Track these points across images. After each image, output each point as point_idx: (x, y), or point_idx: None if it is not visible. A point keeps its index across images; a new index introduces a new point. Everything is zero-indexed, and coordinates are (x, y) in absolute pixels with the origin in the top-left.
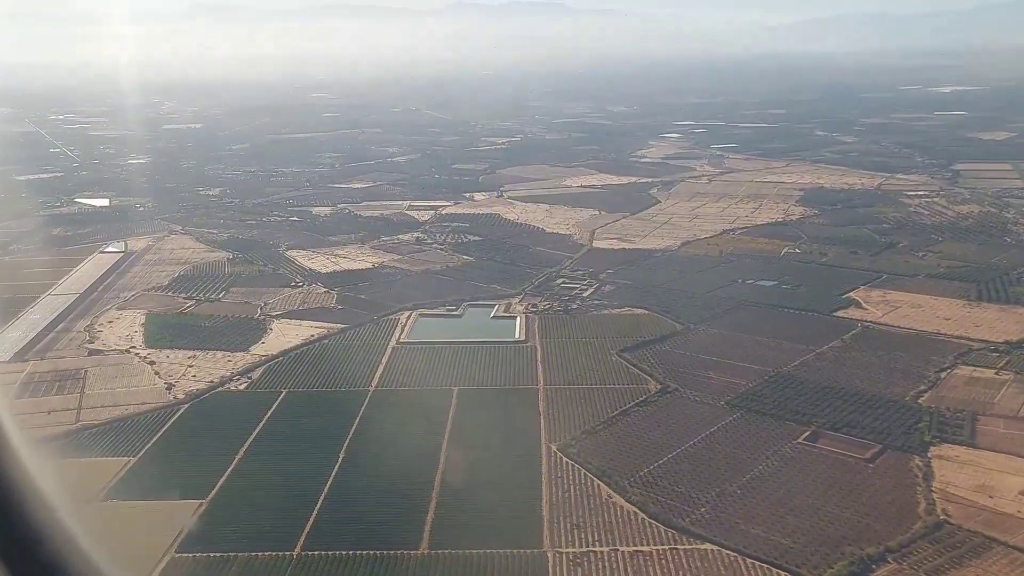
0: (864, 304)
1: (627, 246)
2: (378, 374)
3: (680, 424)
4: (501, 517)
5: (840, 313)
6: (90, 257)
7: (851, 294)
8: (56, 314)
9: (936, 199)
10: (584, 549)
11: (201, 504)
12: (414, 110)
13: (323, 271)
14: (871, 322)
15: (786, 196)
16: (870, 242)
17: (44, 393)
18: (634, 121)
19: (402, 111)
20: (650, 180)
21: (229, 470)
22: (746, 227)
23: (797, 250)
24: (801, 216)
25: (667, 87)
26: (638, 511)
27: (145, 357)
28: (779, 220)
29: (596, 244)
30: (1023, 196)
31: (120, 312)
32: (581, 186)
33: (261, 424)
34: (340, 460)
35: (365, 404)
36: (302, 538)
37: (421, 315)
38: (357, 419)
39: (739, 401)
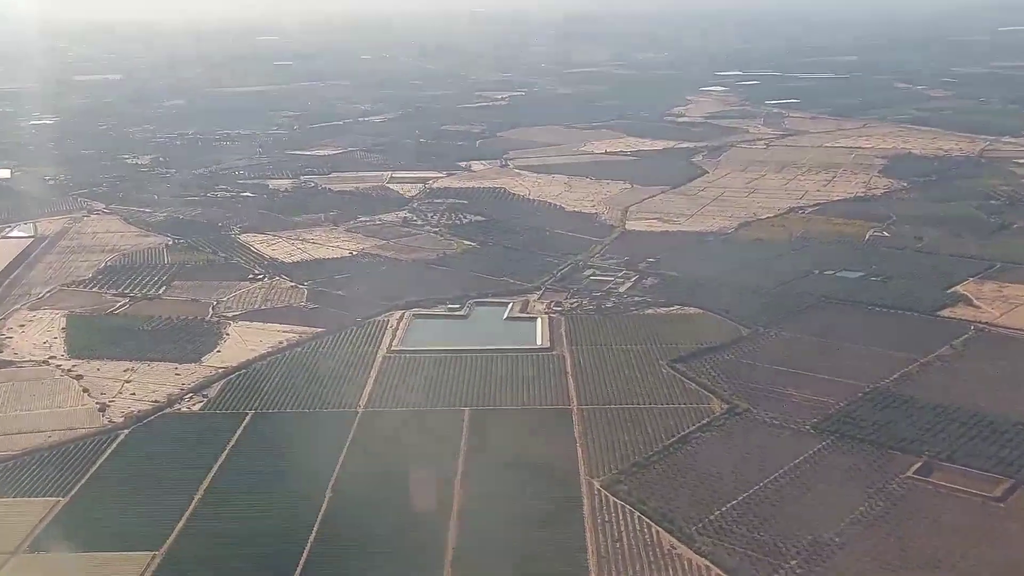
0: (975, 301)
1: (670, 228)
2: (367, 392)
3: (755, 454)
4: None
5: (946, 312)
6: None
7: (958, 288)
8: None
9: None
10: None
11: (154, 557)
12: (388, 57)
13: (288, 260)
14: (986, 323)
15: (866, 165)
16: (976, 222)
17: None
18: (666, 72)
19: (374, 59)
20: (692, 145)
21: (187, 513)
22: (819, 204)
23: (886, 233)
24: (887, 190)
25: (703, 29)
26: (711, 565)
27: (69, 370)
28: (860, 195)
29: (630, 226)
30: None
31: (33, 313)
32: (606, 152)
33: (224, 455)
34: (325, 504)
35: (353, 430)
36: None
37: (416, 316)
38: (344, 450)
39: (828, 424)
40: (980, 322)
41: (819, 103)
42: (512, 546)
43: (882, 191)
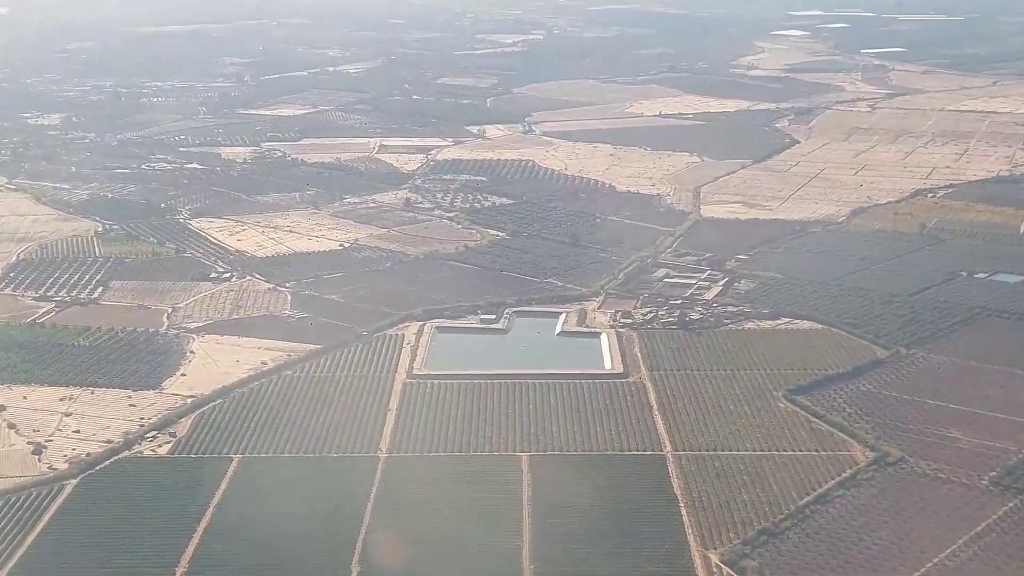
0: None
1: (759, 215)
2: (387, 430)
3: (925, 519)
4: None
5: None
6: None
7: None
8: None
9: None
10: None
11: None
12: None
13: (259, 254)
14: None
15: (1006, 135)
16: None
17: None
18: (725, 9)
19: None
20: (774, 106)
21: None
22: (952, 184)
23: None
24: None
25: None
26: None
27: None
28: (1003, 174)
29: (706, 212)
30: None
31: None
32: (660, 114)
33: (207, 517)
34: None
35: (376, 483)
36: None
37: (439, 329)
38: (368, 512)
39: (1010, 480)
40: None
41: (932, 53)
42: None
43: None
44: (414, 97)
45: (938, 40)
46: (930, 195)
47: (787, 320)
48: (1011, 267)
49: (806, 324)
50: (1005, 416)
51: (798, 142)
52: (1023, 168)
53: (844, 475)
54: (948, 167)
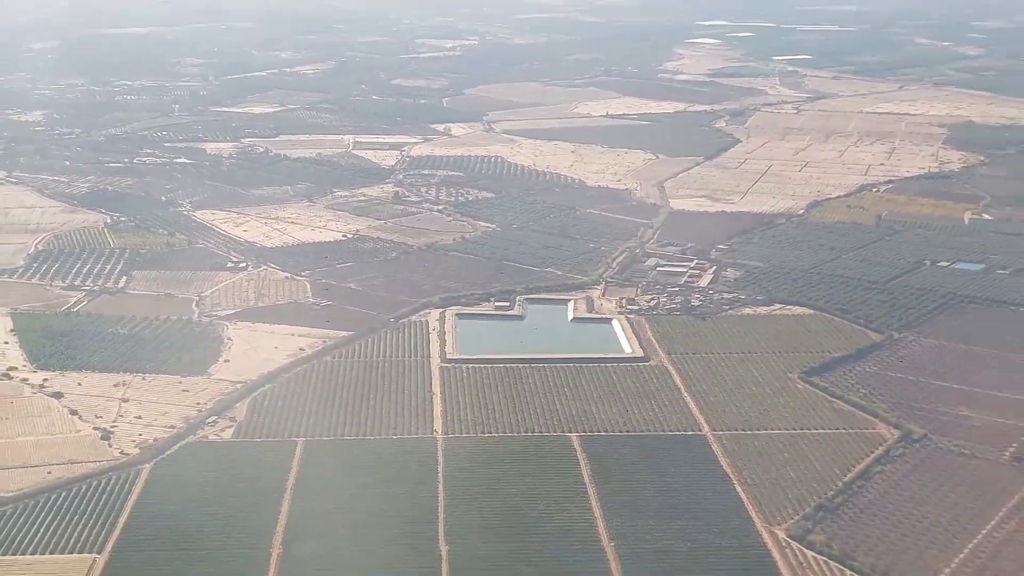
0: None
1: (726, 208)
2: (436, 411)
3: (961, 493)
4: None
5: None
6: None
7: None
8: None
9: None
10: None
11: None
12: None
13: (269, 245)
14: None
15: (924, 135)
16: None
17: None
18: (640, 18)
19: None
20: (708, 108)
21: (272, 572)
22: (891, 180)
23: (987, 216)
24: (963, 164)
25: None
26: None
27: (41, 385)
28: (933, 171)
29: (675, 204)
30: None
31: None
32: (606, 115)
33: (286, 498)
34: (445, 565)
35: (440, 464)
36: None
37: (459, 316)
38: (440, 490)
39: None
40: None
41: (836, 60)
42: None
43: (958, 165)
44: (374, 97)
45: (838, 49)
46: (874, 190)
47: (780, 305)
48: (968, 256)
49: (799, 309)
50: (1007, 395)
51: (739, 141)
52: (949, 165)
53: (877, 452)
54: (882, 164)
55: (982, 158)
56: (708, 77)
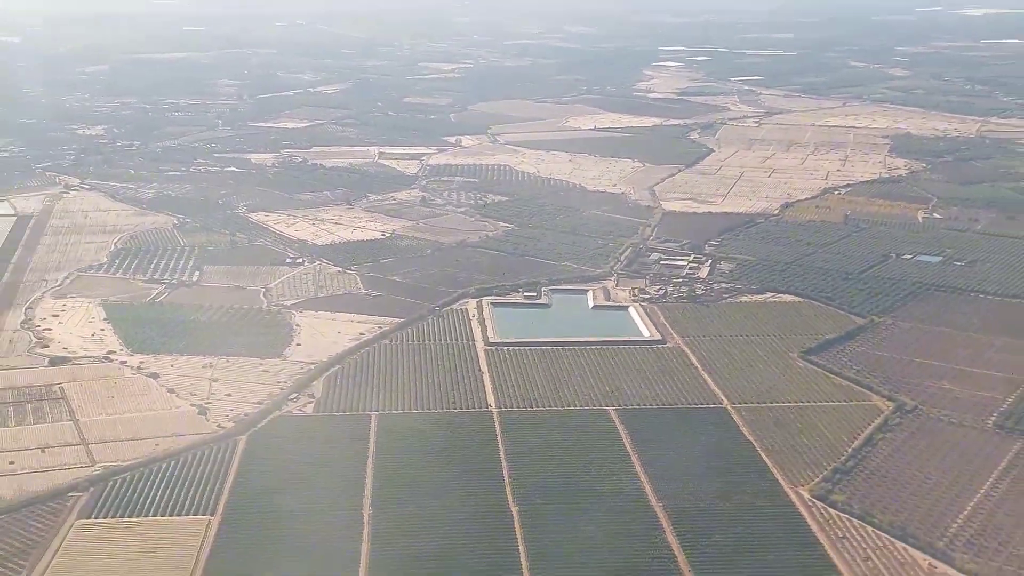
0: None
1: (711, 209)
2: (488, 388)
3: (955, 457)
4: None
5: None
6: None
7: None
8: None
9: None
10: None
11: None
12: (304, 24)
13: (319, 242)
14: None
15: (871, 145)
16: (1017, 204)
17: (18, 421)
18: (608, 45)
19: (289, 25)
20: (681, 122)
21: (365, 533)
22: (848, 184)
23: (937, 215)
24: (908, 170)
25: (610, 5)
26: None
27: (138, 367)
28: (884, 176)
29: (667, 206)
30: None
31: (61, 302)
32: (594, 129)
33: (369, 463)
34: (517, 518)
35: (498, 434)
36: None
37: (495, 304)
38: (503, 455)
39: (1009, 423)
40: None
41: (785, 81)
42: (748, 566)
43: (904, 171)
44: (389, 113)
45: (785, 71)
46: (836, 192)
47: (772, 294)
48: (927, 249)
49: (789, 297)
50: (979, 371)
51: (712, 151)
52: (897, 171)
53: (877, 421)
54: (839, 170)
55: (924, 165)
56: (676, 95)
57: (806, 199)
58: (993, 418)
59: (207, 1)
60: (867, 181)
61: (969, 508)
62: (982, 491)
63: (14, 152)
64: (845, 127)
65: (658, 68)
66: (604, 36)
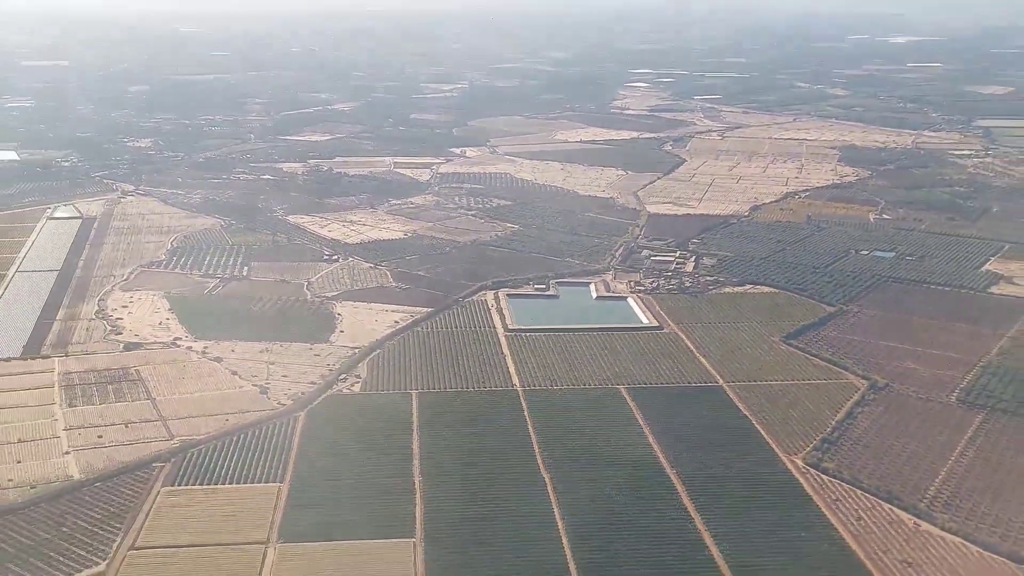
0: (1015, 279)
1: (689, 211)
2: (511, 369)
3: (926, 428)
4: (808, 555)
5: (995, 290)
6: (39, 224)
7: (988, 267)
8: (43, 297)
9: (987, 159)
10: None
11: (415, 544)
12: (316, 50)
13: (349, 241)
14: None
15: (822, 155)
16: (956, 207)
17: (102, 399)
18: (582, 68)
19: (303, 51)
20: (654, 135)
21: (416, 497)
22: (807, 189)
23: (886, 216)
24: (857, 177)
25: (599, 27)
26: (965, 542)
27: (203, 352)
28: (836, 182)
29: (651, 209)
30: None
31: (129, 294)
32: (580, 141)
33: (415, 435)
34: (550, 486)
35: (525, 410)
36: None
37: (510, 296)
38: (530, 429)
39: (969, 398)
40: None
41: (742, 99)
42: (755, 523)
43: (853, 178)
44: (400, 128)
45: (741, 91)
46: (796, 197)
47: (751, 285)
48: (881, 246)
49: (766, 288)
50: (939, 352)
51: (685, 160)
52: (847, 178)
53: (855, 398)
54: (796, 177)
55: (869, 172)
56: (648, 112)
57: (771, 202)
58: (955, 394)
59: (221, 28)
60: (822, 187)
61: (943, 473)
62: (952, 458)
63: (74, 162)
64: (798, 139)
65: (630, 88)
66: (577, 60)
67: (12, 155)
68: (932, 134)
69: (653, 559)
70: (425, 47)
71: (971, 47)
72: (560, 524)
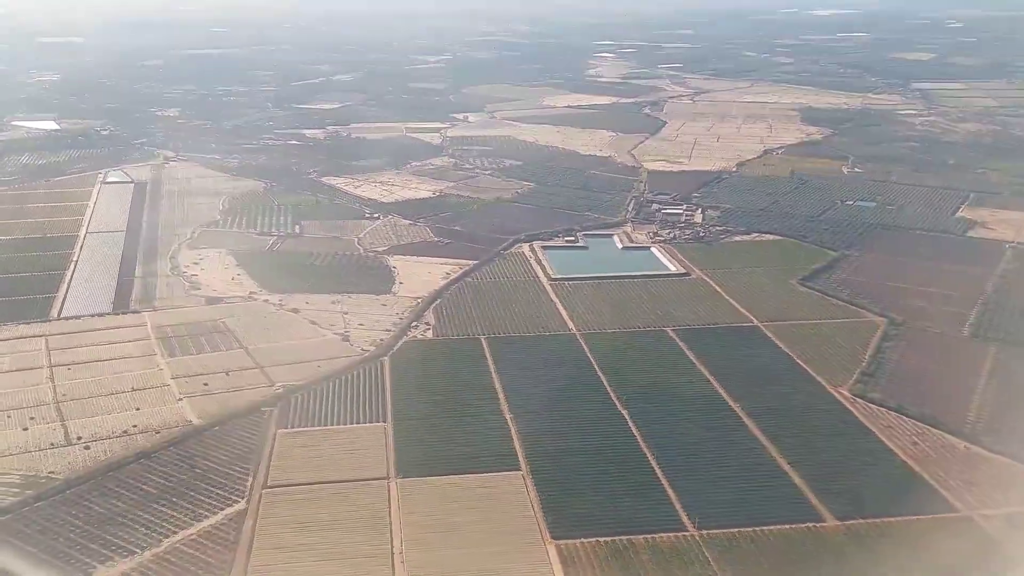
0: (987, 224)
1: (682, 168)
2: (564, 314)
3: (950, 359)
4: (878, 477)
5: (972, 234)
6: (95, 188)
7: (962, 214)
8: (118, 256)
9: (931, 118)
10: (1011, 510)
11: (523, 476)
12: (305, 26)
13: (383, 200)
14: (1016, 242)
15: (785, 116)
16: (916, 161)
17: (198, 350)
18: (551, 40)
19: (292, 27)
20: (633, 100)
21: (512, 432)
22: (780, 147)
23: (858, 169)
24: (822, 136)
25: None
26: (1012, 462)
27: (280, 304)
28: (806, 140)
29: (648, 166)
30: (1012, 114)
31: (197, 252)
32: (568, 106)
33: (494, 375)
34: (629, 417)
35: (588, 352)
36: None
37: (544, 247)
38: (596, 368)
39: (981, 331)
40: (1009, 241)
41: (701, 67)
42: (825, 449)
43: (819, 136)
44: (402, 96)
45: (698, 59)
46: (775, 153)
47: (757, 234)
48: (862, 197)
49: (770, 236)
50: (940, 291)
51: (666, 122)
52: (813, 136)
53: (879, 333)
54: (769, 136)
55: (832, 131)
56: (621, 79)
57: (753, 159)
58: (966, 328)
59: (225, 7)
60: (794, 144)
61: (976, 400)
62: (979, 387)
63: (111, 131)
64: (760, 102)
65: (598, 58)
66: (544, 33)
67: (52, 125)
68: (877, 96)
69: (740, 486)
70: (407, 21)
71: (887, 18)
72: (650, 455)
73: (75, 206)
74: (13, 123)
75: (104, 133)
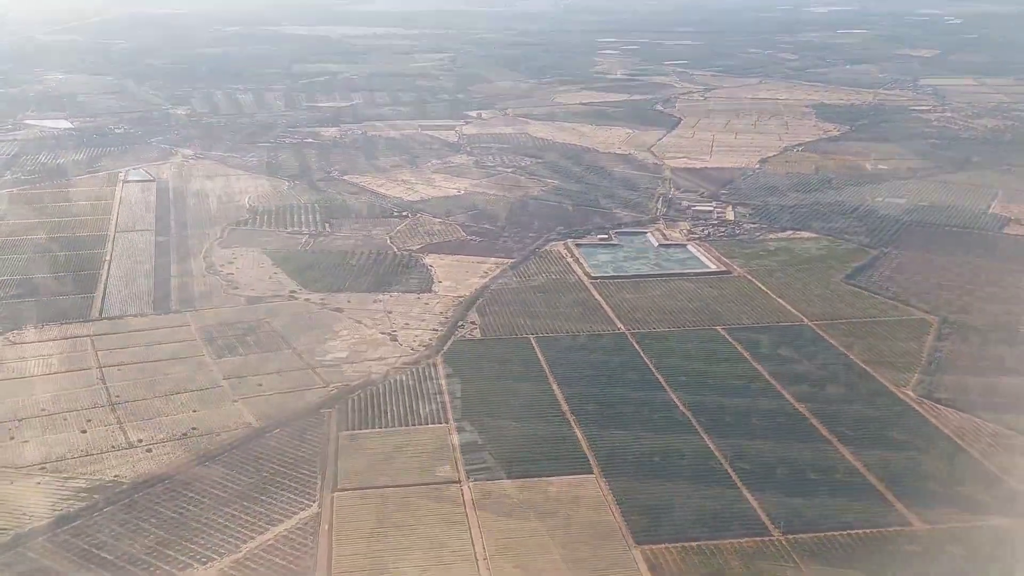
0: (1022, 220)
1: (705, 165)
2: (610, 313)
3: (1009, 360)
4: (960, 483)
5: (1008, 231)
6: (118, 187)
7: (994, 210)
8: (150, 255)
9: (946, 114)
10: None
11: (595, 479)
12: (299, 26)
13: (408, 198)
14: None
15: (800, 112)
16: (939, 157)
17: (246, 351)
18: (556, 38)
19: (283, 28)
20: (644, 97)
21: (577, 433)
22: (800, 144)
23: (882, 166)
24: (839, 131)
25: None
26: None
27: (322, 303)
28: (823, 136)
29: (671, 164)
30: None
31: (230, 251)
32: (580, 104)
33: (549, 375)
34: (691, 415)
35: (641, 352)
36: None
37: (579, 245)
38: (649, 364)
39: None
40: None
41: (707, 64)
42: (903, 450)
43: (836, 132)
44: (411, 93)
45: (702, 56)
46: (795, 150)
47: (792, 231)
48: (891, 194)
49: (806, 234)
50: (987, 288)
51: (681, 119)
52: (830, 132)
53: (933, 331)
54: (786, 133)
55: (849, 127)
56: (630, 76)
57: (775, 155)
58: (1022, 328)
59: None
60: (812, 140)
61: None
62: None
63: (127, 129)
64: (772, 99)
65: (603, 55)
66: (546, 31)
67: (65, 123)
68: (888, 92)
69: (819, 490)
70: (406, 20)
71: (885, 14)
72: (721, 459)
73: (100, 204)
74: (26, 121)
75: (119, 131)
